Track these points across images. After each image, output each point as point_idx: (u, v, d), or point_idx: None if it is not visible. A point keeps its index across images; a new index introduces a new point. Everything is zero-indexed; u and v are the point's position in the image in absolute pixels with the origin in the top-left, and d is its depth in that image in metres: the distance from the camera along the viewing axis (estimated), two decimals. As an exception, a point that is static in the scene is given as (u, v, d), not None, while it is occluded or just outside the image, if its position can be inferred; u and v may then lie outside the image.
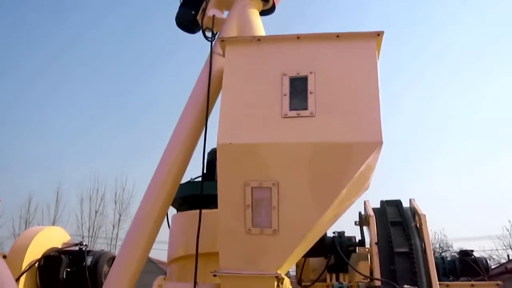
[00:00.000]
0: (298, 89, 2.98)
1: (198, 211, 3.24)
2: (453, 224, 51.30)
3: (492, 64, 56.08)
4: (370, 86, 2.97)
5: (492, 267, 19.74)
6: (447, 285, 4.52)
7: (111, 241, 30.04)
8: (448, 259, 5.08)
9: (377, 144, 2.88)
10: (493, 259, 31.64)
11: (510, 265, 20.40)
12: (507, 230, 33.94)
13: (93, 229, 31.14)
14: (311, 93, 2.97)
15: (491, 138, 54.46)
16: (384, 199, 4.62)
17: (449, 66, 55.83)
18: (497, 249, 34.17)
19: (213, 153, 3.75)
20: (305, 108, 2.94)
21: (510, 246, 33.54)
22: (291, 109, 2.94)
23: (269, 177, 2.91)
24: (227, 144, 2.94)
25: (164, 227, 4.47)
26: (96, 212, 31.67)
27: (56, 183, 42.93)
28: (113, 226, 31.23)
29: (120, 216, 31.11)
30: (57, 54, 50.64)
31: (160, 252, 24.60)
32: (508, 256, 30.15)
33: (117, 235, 30.01)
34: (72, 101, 48.69)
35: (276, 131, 2.92)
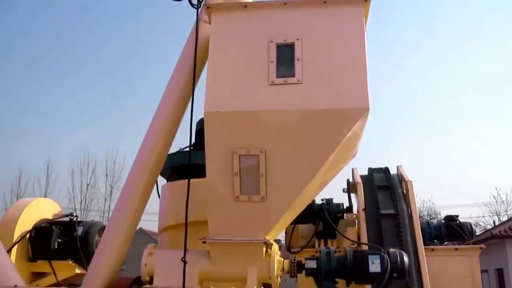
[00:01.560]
0: (285, 56, 2.96)
1: (187, 180, 3.25)
2: (441, 193, 52.25)
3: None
4: (357, 52, 2.96)
5: (478, 233, 20.19)
6: (432, 249, 4.63)
7: (103, 214, 30.18)
8: (434, 224, 5.18)
9: (364, 111, 2.89)
10: (480, 225, 32.33)
11: (495, 230, 20.87)
12: (494, 197, 34.61)
13: (85, 202, 31.27)
14: (298, 60, 2.95)
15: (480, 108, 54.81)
16: (372, 166, 4.66)
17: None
18: (483, 216, 34.91)
19: (201, 122, 3.74)
20: (292, 75, 2.93)
21: (496, 213, 34.28)
22: (278, 76, 2.93)
23: (256, 145, 2.92)
24: (213, 112, 2.93)
25: (155, 198, 4.51)
26: (87, 185, 31.74)
27: (46, 157, 42.78)
28: (105, 199, 31.40)
29: (112, 188, 31.23)
30: (55, 32, 49.85)
31: (152, 223, 24.79)
32: (494, 222, 30.84)
33: (109, 207, 30.11)
34: (63, 75, 48.06)
35: (263, 98, 2.92)
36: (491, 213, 34.49)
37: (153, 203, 4.65)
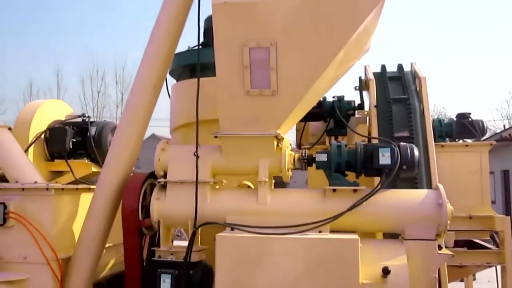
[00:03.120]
0: None
1: (197, 79, 3.20)
2: (453, 98, 51.79)
3: None
4: None
5: (488, 136, 20.28)
6: (442, 146, 4.65)
7: (116, 121, 30.61)
8: (446, 122, 5.16)
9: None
10: (490, 129, 32.36)
11: (505, 133, 20.92)
12: (506, 101, 34.29)
13: (97, 109, 31.71)
14: None
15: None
16: (386, 63, 4.54)
17: None
18: (494, 120, 34.85)
19: (209, 20, 3.61)
20: (303, -38, 2.75)
21: (507, 117, 34.16)
22: (289, -38, 2.75)
23: (267, 37, 2.83)
24: (221, 3, 2.81)
25: (166, 103, 4.49)
26: (98, 92, 31.99)
27: (55, 65, 42.69)
28: (116, 106, 31.75)
29: (123, 95, 31.40)
30: None
31: (164, 129, 25.16)
32: (504, 126, 30.84)
33: (121, 114, 30.50)
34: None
35: None
36: (502, 117, 34.40)
37: (165, 109, 4.66)
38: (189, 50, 4.34)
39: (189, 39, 4.01)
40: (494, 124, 34.03)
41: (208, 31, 3.76)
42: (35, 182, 3.48)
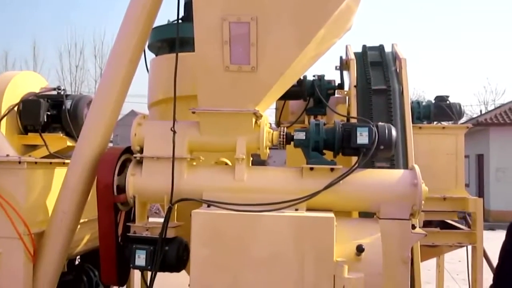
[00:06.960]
0: None
1: (175, 54, 3.13)
2: (432, 83, 52.43)
3: None
4: None
5: (464, 120, 20.63)
6: (420, 127, 4.71)
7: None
8: (424, 104, 5.21)
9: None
10: (467, 114, 32.94)
11: (481, 118, 21.31)
12: (484, 87, 34.95)
13: (75, 84, 31.12)
14: None
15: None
16: (367, 44, 4.53)
17: None
18: (471, 105, 35.48)
19: (191, -8, 3.52)
20: None
21: (484, 102, 34.77)
22: None
23: (247, 11, 2.78)
24: None
25: (146, 79, 4.40)
26: (76, 66, 31.36)
27: (31, 37, 41.58)
28: (95, 81, 31.17)
29: (101, 70, 30.76)
30: None
31: (143, 105, 24.88)
32: (480, 111, 31.41)
33: (99, 89, 29.99)
34: None
35: None
36: (479, 102, 35.03)
37: (144, 85, 4.56)
38: (169, 24, 4.25)
39: (169, 12, 3.92)
40: (471, 109, 34.67)
41: (189, 5, 3.67)
42: (7, 156, 3.39)
